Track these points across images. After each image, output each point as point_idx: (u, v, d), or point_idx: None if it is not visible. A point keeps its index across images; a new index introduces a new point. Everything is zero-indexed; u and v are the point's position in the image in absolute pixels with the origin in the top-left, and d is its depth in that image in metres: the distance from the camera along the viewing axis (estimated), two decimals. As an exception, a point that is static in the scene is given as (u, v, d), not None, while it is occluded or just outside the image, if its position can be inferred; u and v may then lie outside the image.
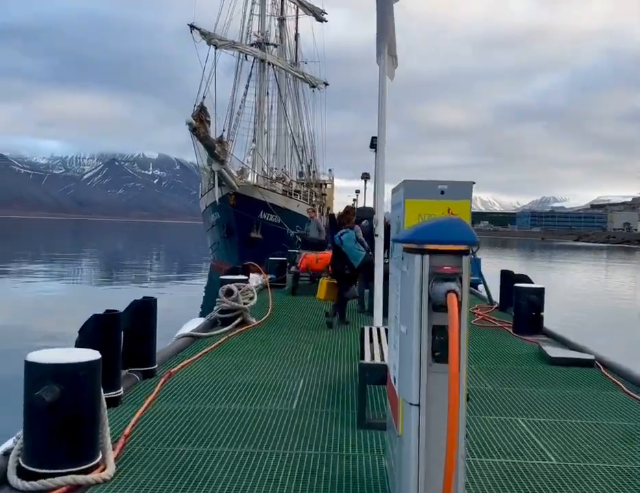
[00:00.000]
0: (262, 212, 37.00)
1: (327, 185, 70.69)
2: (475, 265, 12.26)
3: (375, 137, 15.64)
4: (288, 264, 17.78)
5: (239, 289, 9.72)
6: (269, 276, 16.07)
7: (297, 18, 59.20)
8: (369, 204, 29.85)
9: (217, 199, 33.90)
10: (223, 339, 8.59)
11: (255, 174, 41.01)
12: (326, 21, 53.94)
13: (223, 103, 44.77)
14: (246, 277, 10.47)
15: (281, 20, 54.96)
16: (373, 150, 15.71)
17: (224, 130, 38.10)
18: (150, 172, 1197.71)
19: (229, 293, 9.62)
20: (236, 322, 9.63)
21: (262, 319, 10.53)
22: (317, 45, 66.85)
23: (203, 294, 29.97)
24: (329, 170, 71.89)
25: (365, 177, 26.16)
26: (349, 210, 11.52)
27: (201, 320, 10.83)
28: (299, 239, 18.68)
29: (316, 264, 14.62)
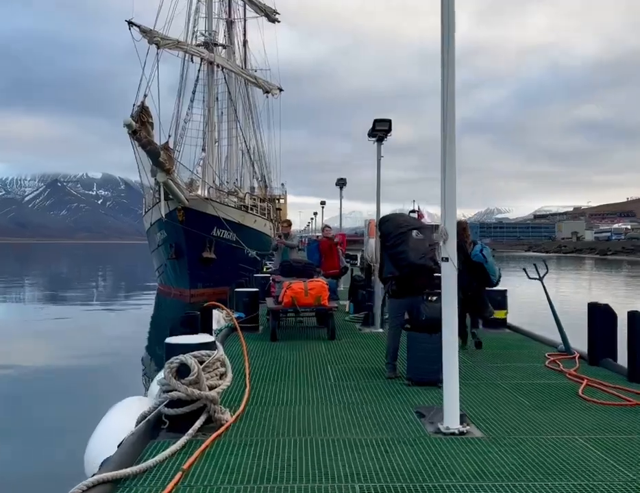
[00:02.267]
0: (215, 229, 32.56)
1: (281, 200, 66.69)
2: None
3: (379, 120, 11.51)
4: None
5: (200, 362, 5.36)
6: (236, 315, 11.70)
7: (244, 21, 55.20)
8: (340, 217, 25.68)
9: (163, 215, 29.23)
10: (172, 484, 4.20)
11: (207, 187, 36.44)
12: (279, 22, 49.97)
13: (167, 110, 40.29)
14: (211, 339, 5.97)
15: (230, 23, 50.74)
16: (374, 139, 11.54)
17: (170, 136, 33.45)
18: (94, 193, 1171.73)
19: (183, 371, 5.25)
20: (198, 423, 5.26)
21: (240, 408, 6.13)
22: (268, 54, 62.94)
23: (148, 327, 25.37)
24: (282, 184, 67.84)
25: (341, 183, 21.91)
26: (465, 226, 9.38)
27: (139, 404, 6.49)
28: (268, 263, 14.21)
29: (306, 297, 10.31)
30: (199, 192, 35.92)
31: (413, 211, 44.36)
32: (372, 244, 11.38)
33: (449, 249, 5.37)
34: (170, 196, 29.43)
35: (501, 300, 11.68)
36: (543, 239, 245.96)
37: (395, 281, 7.44)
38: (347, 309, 14.31)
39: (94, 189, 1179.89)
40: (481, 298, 9.55)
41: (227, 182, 47.75)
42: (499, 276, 9.51)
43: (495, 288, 10.40)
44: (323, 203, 39.37)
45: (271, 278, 12.24)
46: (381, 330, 11.59)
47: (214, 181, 39.81)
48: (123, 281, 57.38)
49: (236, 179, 51.11)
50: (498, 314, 11.57)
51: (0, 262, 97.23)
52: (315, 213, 58.40)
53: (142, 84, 29.68)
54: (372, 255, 11.41)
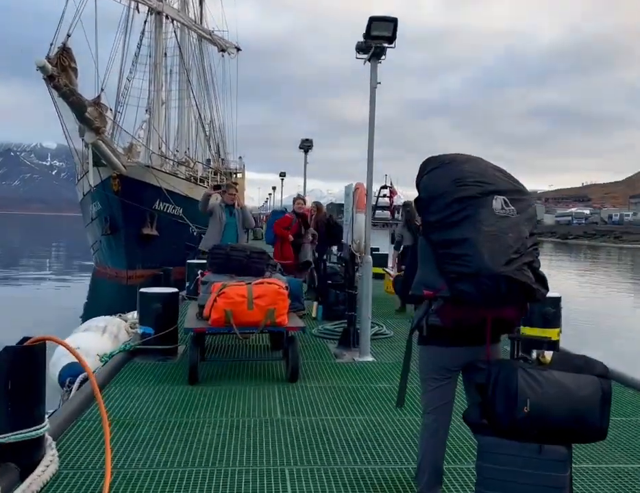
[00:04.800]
0: (157, 202, 28.03)
1: (238, 174, 61.79)
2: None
3: (376, 19, 7.20)
4: (184, 296, 9.28)
5: None
6: (140, 330, 7.35)
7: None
8: (304, 186, 21.39)
9: (92, 183, 24.60)
10: None
11: (149, 153, 31.62)
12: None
13: (104, 63, 35.17)
14: None
15: (183, -25, 45.49)
16: (366, 56, 7.30)
17: (102, 89, 28.41)
18: (48, 163, 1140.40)
19: None
20: None
21: None
22: (227, 18, 57.72)
23: (81, 312, 20.91)
24: (240, 157, 62.88)
25: (306, 145, 17.52)
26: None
27: None
28: (204, 249, 9.49)
29: (250, 311, 6.02)
30: (141, 159, 31.20)
31: (385, 187, 40.12)
32: (360, 222, 7.12)
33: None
34: (103, 162, 24.81)
35: (553, 313, 7.62)
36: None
37: (440, 308, 3.18)
38: (313, 314, 10.09)
39: (49, 159, 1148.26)
40: None
41: (176, 151, 42.86)
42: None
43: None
44: (282, 174, 34.67)
45: (199, 272, 7.85)
46: (371, 359, 7.43)
47: (159, 148, 34.95)
48: (62, 258, 52.14)
49: (188, 148, 46.18)
50: (548, 333, 7.54)
51: None
52: (274, 188, 53.63)
53: (66, 19, 24.25)
54: (360, 239, 7.17)
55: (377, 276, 11.31)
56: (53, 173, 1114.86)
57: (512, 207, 3.07)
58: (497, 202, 3.04)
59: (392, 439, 4.81)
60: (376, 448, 4.60)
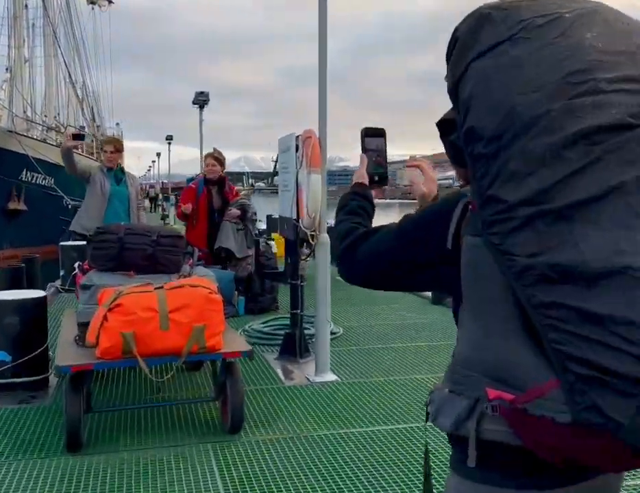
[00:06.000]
0: (25, 172, 24.81)
1: (116, 142, 57.26)
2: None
3: None
4: (58, 288, 6.85)
5: None
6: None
7: None
8: (200, 148, 18.84)
9: (-58, 153, 21.11)
10: None
11: (12, 116, 27.78)
12: None
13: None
14: None
15: None
16: None
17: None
18: None
19: None
20: None
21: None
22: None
23: None
24: (117, 123, 58.45)
25: (202, 100, 14.88)
26: None
27: None
28: (78, 231, 6.67)
29: (165, 332, 3.73)
30: (2, 124, 27.39)
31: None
32: (316, 186, 4.90)
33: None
34: (-45, 127, 21.34)
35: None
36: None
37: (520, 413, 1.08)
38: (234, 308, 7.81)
39: None
40: None
41: (45, 116, 38.53)
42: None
43: None
44: (169, 138, 31.12)
45: (76, 266, 5.30)
46: (333, 377, 5.30)
47: (24, 111, 30.96)
48: None
49: (58, 113, 41.81)
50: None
51: None
52: (158, 155, 49.63)
53: None
54: (315, 212, 4.96)
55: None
56: None
57: None
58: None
59: None
60: None
